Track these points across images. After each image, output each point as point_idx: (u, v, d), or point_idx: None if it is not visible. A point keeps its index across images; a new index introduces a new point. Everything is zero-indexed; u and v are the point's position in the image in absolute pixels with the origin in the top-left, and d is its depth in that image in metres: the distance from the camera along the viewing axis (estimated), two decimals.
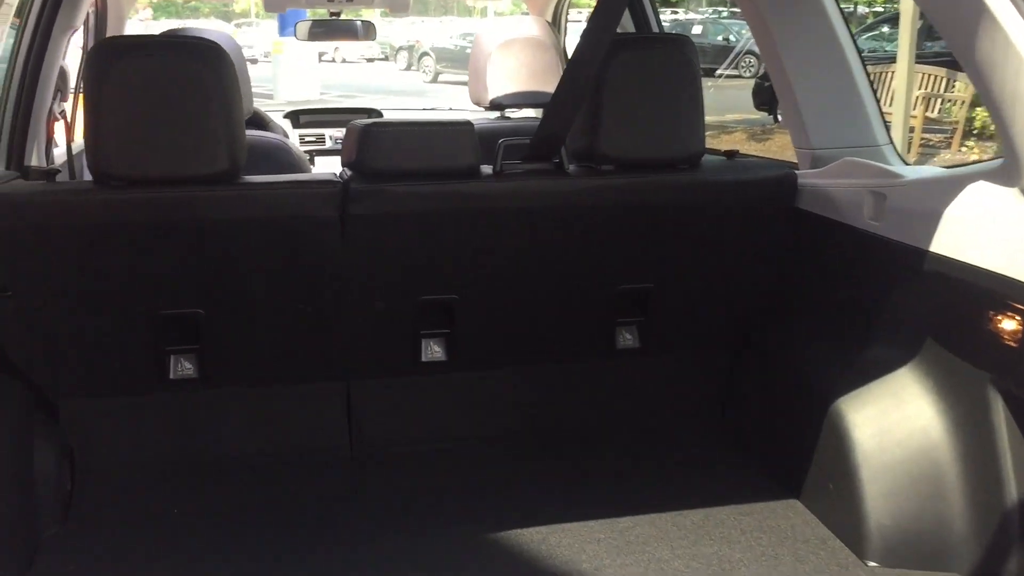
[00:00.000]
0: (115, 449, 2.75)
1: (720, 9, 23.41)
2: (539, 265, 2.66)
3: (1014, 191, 2.00)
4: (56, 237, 2.40)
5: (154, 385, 2.70)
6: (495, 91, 3.91)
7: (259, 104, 4.08)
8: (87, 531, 2.54)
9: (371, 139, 2.50)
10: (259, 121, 4.04)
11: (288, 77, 18.48)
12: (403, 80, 23.54)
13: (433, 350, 2.82)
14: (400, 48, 26.85)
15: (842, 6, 2.81)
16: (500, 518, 2.52)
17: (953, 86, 11.06)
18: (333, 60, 27.18)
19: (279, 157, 3.45)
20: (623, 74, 2.54)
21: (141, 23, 18.57)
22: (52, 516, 2.52)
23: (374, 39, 4.68)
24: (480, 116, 4.05)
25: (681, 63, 2.61)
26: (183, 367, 2.71)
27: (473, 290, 2.68)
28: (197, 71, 2.34)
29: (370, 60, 28.92)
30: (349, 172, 2.57)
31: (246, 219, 2.43)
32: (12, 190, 2.44)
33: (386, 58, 28.17)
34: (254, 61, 21.69)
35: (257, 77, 7.90)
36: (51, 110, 3.13)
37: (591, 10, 2.53)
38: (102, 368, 2.67)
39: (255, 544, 2.46)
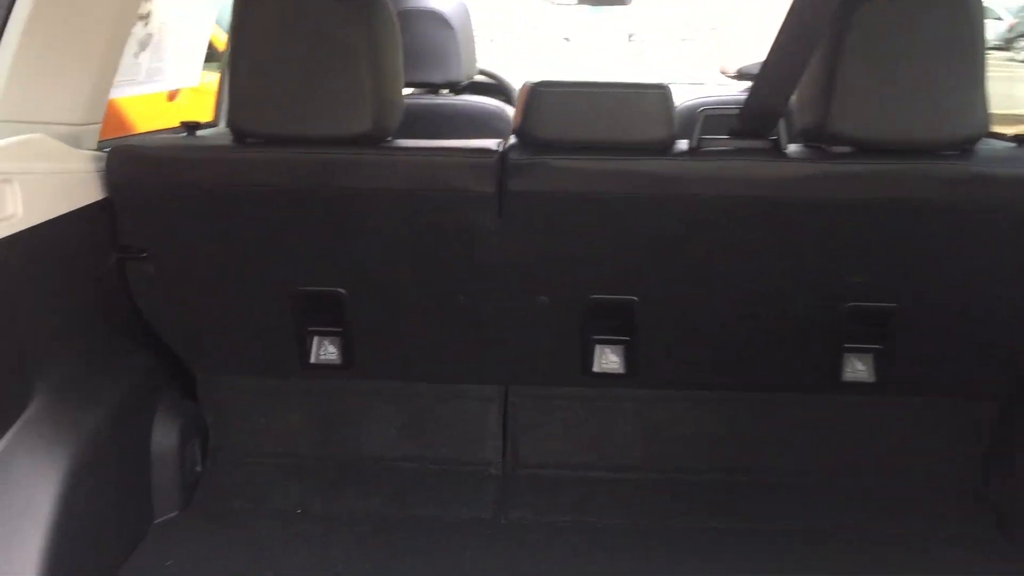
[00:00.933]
0: (250, 434, 2.51)
1: None
2: (744, 268, 2.11)
3: None
4: (188, 195, 2.15)
5: (295, 368, 2.43)
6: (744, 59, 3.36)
7: None
8: (205, 519, 2.31)
9: (539, 101, 2.05)
10: (486, 87, 3.77)
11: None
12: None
13: (608, 359, 2.35)
14: None
15: None
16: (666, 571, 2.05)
17: None
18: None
19: (492, 124, 3.09)
20: (869, 28, 1.93)
21: None
22: (171, 500, 2.31)
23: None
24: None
25: (958, 14, 1.96)
26: (326, 351, 2.42)
27: (658, 292, 2.18)
28: (345, 19, 1.99)
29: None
30: (514, 140, 2.15)
31: (387, 189, 2.06)
32: (146, 143, 2.22)
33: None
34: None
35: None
36: None
37: None
38: (241, 343, 2.42)
39: (382, 559, 2.13)
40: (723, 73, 3.56)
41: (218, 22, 3.47)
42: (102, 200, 2.14)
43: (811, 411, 2.35)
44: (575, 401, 2.42)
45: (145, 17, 2.98)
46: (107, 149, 2.16)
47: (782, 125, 2.02)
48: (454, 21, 3.38)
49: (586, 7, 5.37)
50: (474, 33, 3.54)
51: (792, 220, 2.04)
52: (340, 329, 2.37)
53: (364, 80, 2.01)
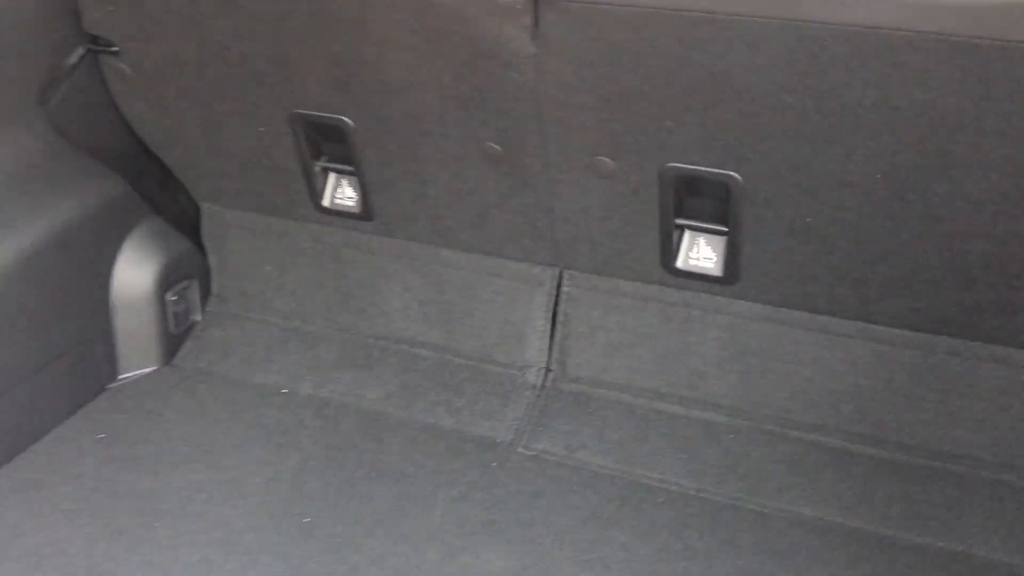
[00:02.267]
0: (254, 283, 2.03)
1: None
2: (906, 144, 1.35)
3: None
4: None
5: (308, 211, 1.91)
6: None
7: None
8: (179, 380, 1.89)
9: None
10: None
11: None
12: None
13: (701, 255, 1.66)
14: None
15: None
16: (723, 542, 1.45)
17: None
18: None
19: None
20: None
21: None
22: (144, 353, 1.90)
23: None
24: None
25: None
26: (343, 192, 1.87)
27: (773, 169, 1.45)
28: None
29: None
30: None
31: None
32: None
33: None
34: None
35: None
36: None
37: None
38: (242, 171, 1.90)
39: (350, 473, 1.65)
40: None
41: None
42: None
43: (989, 374, 1.58)
44: (650, 303, 1.75)
45: None
46: None
47: None
48: None
49: None
50: None
51: (990, 68, 1.23)
52: (352, 169, 1.80)
53: None
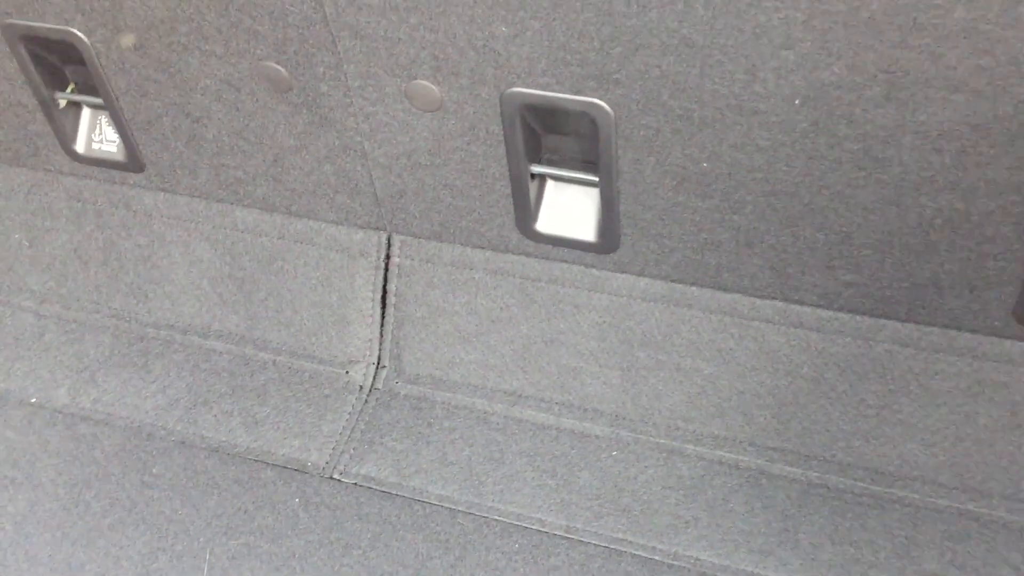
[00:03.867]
0: (0, 252, 1.55)
1: None
2: (834, 54, 0.92)
3: None
4: None
5: (52, 155, 1.44)
6: None
7: None
8: None
9: None
10: None
11: None
12: None
13: (567, 213, 1.23)
14: None
15: None
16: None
17: None
18: None
19: None
20: None
21: None
22: None
23: None
24: None
25: None
26: (102, 136, 1.41)
27: (651, 94, 1.02)
28: None
29: None
30: None
31: None
32: None
33: None
34: None
35: None
36: None
37: None
38: None
39: (138, 506, 1.21)
40: None
41: None
42: None
43: (941, 367, 1.19)
44: (506, 279, 1.32)
45: None
46: None
47: None
48: None
49: None
50: None
51: None
52: (102, 101, 1.33)
53: None
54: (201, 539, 1.19)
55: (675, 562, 1.16)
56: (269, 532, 1.20)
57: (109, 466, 1.29)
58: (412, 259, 1.35)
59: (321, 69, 1.14)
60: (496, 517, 1.22)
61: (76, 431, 1.35)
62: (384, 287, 1.38)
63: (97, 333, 1.48)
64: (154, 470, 1.29)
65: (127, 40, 1.21)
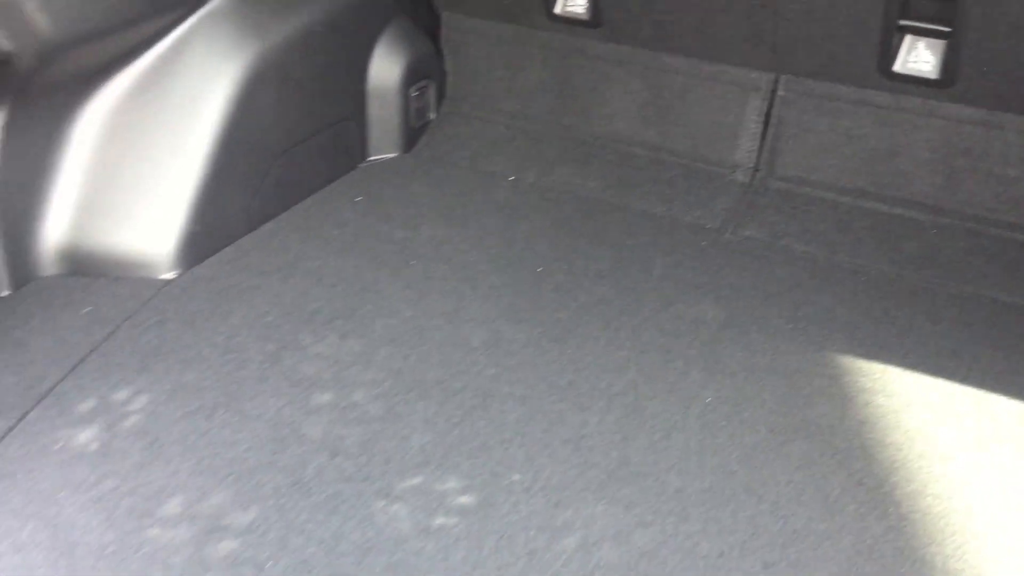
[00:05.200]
0: (486, 86, 2.23)
1: None
2: None
3: None
4: None
5: (540, 18, 2.09)
6: None
7: None
8: (418, 164, 2.12)
9: None
10: None
11: None
12: None
13: (919, 57, 1.75)
14: None
15: None
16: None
17: None
18: None
19: None
20: None
21: None
22: (390, 140, 2.14)
23: None
24: None
25: None
26: (573, 1, 2.04)
27: None
28: None
29: None
30: None
31: None
32: None
33: None
34: None
35: None
36: None
37: None
38: None
39: (572, 240, 1.84)
40: None
41: None
42: None
43: None
44: (863, 108, 1.86)
45: None
46: None
47: None
48: None
49: None
50: None
51: None
52: None
53: None
54: (646, 253, 1.80)
55: (978, 298, 1.66)
56: (688, 255, 1.80)
57: (573, 216, 1.93)
58: (794, 92, 1.91)
59: None
60: (844, 264, 1.77)
61: (546, 195, 2.00)
62: (768, 113, 1.95)
63: (552, 140, 2.14)
64: (602, 219, 1.92)
65: None
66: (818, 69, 1.87)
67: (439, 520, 1.23)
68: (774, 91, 1.94)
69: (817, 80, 1.89)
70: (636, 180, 2.02)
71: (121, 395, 1.42)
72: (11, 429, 1.35)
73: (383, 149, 2.15)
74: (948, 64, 1.72)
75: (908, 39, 1.76)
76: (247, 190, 1.83)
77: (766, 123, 1.96)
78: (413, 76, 2.16)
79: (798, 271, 1.75)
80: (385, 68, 2.11)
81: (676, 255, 1.80)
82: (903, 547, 1.20)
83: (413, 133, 2.19)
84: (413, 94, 2.17)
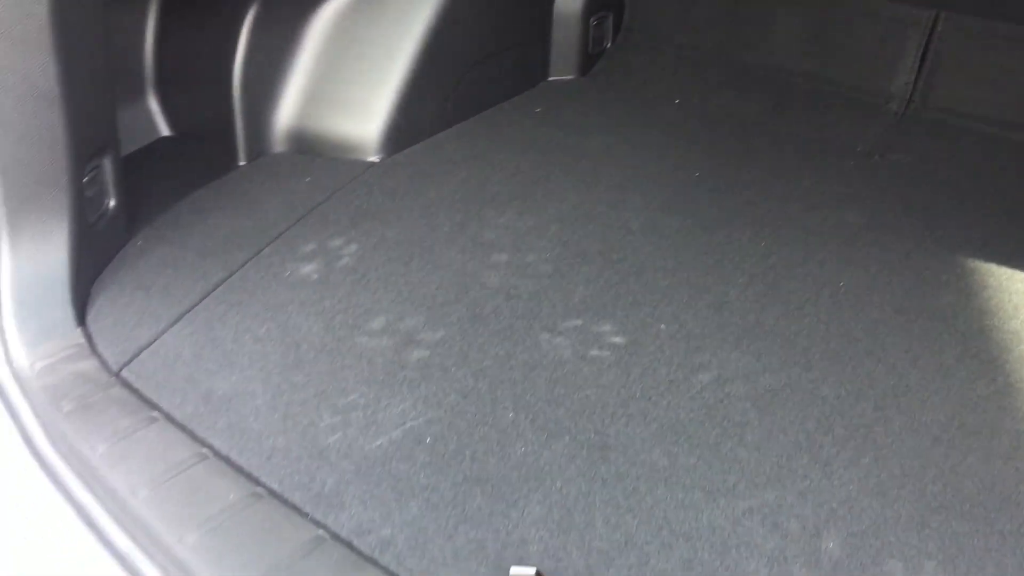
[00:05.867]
0: (660, 17, 2.43)
1: None
2: None
3: None
4: None
5: None
6: None
7: None
8: (596, 87, 2.35)
9: None
10: None
11: None
12: None
13: None
14: None
15: None
16: None
17: None
18: None
19: None
20: None
21: None
22: (569, 63, 2.38)
23: None
24: None
25: None
26: None
27: None
28: None
29: None
30: None
31: None
32: None
33: None
34: None
35: None
36: None
37: None
38: None
39: (750, 153, 2.02)
40: None
41: None
42: None
43: None
44: (1019, 44, 1.95)
45: None
46: None
47: None
48: None
49: None
50: None
51: None
52: None
53: None
54: (793, 167, 1.96)
55: None
56: (833, 169, 1.94)
57: (730, 137, 2.10)
58: (953, 28, 2.02)
59: None
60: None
61: (706, 118, 2.18)
62: (926, 47, 2.06)
63: (717, 69, 2.31)
64: (757, 143, 2.08)
65: None
66: (977, 6, 1.97)
67: (594, 352, 1.45)
68: (933, 27, 2.05)
69: (976, 17, 1.99)
70: (793, 106, 2.17)
71: (336, 243, 1.71)
72: (249, 260, 1.66)
73: (562, 71, 2.38)
74: None
75: None
76: (442, 94, 2.10)
77: (923, 57, 2.07)
78: (595, 6, 2.38)
79: (940, 192, 1.87)
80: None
81: (824, 172, 1.95)
82: (1007, 407, 1.34)
83: (590, 59, 2.41)
84: (593, 23, 2.38)
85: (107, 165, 1.60)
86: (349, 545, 1.11)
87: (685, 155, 2.02)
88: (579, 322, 1.52)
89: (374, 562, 1.09)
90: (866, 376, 1.40)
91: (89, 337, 1.45)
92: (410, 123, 2.03)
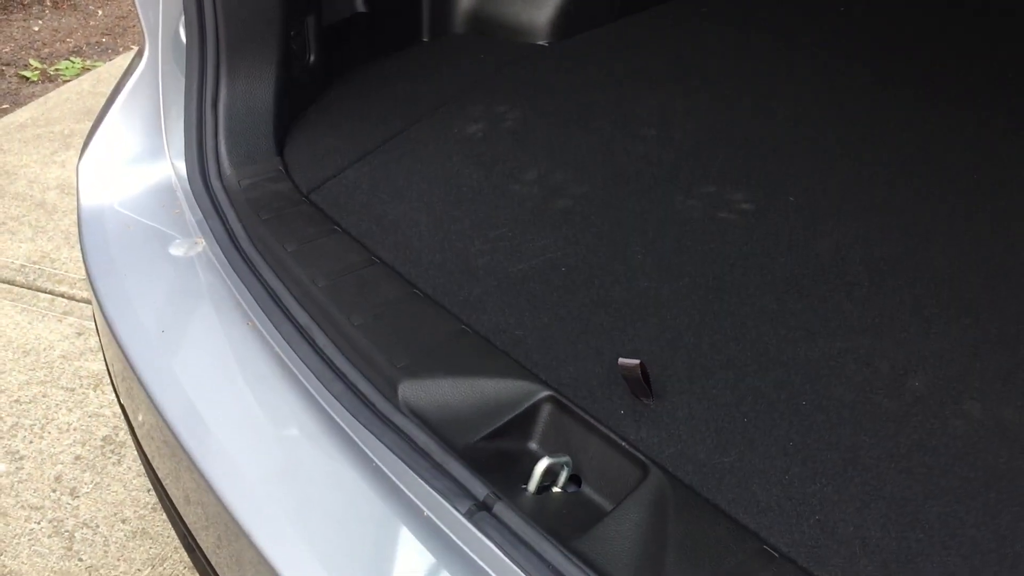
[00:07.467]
0: None
1: None
2: None
3: None
4: None
5: None
6: None
7: None
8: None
9: None
10: None
11: None
12: None
13: None
14: None
15: None
16: None
17: None
18: None
19: None
20: None
21: None
22: None
23: None
24: None
25: None
26: None
27: None
28: None
29: None
30: None
31: None
32: None
33: None
34: None
35: None
36: None
37: None
38: None
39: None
40: None
41: None
42: None
43: None
44: None
45: None
46: None
47: None
48: None
49: None
50: None
51: None
52: None
53: None
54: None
55: None
56: None
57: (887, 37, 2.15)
58: None
59: None
60: None
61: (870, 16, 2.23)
62: None
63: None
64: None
65: None
66: None
67: (723, 214, 1.58)
68: None
69: None
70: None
71: (501, 108, 1.89)
72: (424, 116, 1.87)
73: None
74: None
75: None
76: None
77: None
78: None
79: None
80: None
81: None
82: None
83: None
84: None
85: (311, 24, 1.83)
86: (487, 339, 1.31)
87: (848, 58, 2.09)
88: (713, 189, 1.64)
89: (506, 354, 1.28)
90: (984, 254, 1.47)
91: (285, 166, 1.70)
92: (579, 11, 2.17)
